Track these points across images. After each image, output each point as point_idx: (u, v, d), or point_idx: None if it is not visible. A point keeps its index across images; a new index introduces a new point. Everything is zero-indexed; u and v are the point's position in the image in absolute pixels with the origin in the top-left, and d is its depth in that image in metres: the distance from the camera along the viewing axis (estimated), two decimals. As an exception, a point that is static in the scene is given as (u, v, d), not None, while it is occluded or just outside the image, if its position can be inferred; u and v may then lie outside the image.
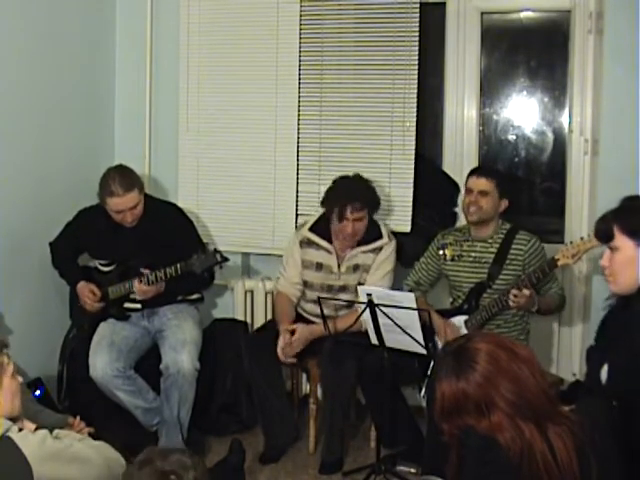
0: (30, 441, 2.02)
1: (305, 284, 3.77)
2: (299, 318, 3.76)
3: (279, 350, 3.55)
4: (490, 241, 3.53)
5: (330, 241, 3.70)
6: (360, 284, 3.64)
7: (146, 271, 3.53)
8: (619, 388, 2.24)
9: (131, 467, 1.84)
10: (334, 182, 3.72)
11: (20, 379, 2.27)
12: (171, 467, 1.76)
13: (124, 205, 3.56)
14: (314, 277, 3.74)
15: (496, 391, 1.81)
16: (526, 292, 3.24)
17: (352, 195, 3.56)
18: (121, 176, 3.57)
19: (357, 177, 3.71)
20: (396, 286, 3.75)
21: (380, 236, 3.69)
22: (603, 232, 2.28)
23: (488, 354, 1.84)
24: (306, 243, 3.75)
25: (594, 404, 2.12)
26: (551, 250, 3.52)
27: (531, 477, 1.77)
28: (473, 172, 3.57)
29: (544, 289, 3.48)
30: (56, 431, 2.16)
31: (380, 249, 3.66)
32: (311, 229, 3.76)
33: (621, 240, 2.24)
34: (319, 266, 3.72)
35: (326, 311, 3.41)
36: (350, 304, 3.58)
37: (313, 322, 3.72)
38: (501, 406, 1.80)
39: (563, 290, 3.57)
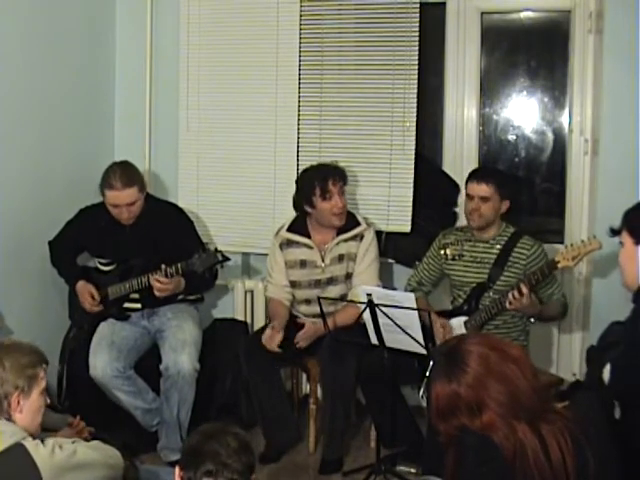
0: (41, 451, 2.07)
1: (293, 285, 3.77)
2: (295, 322, 3.74)
3: (263, 338, 3.54)
4: (492, 242, 3.51)
5: (309, 237, 3.73)
6: (348, 274, 3.67)
7: (163, 266, 3.48)
8: (622, 386, 2.25)
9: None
10: (300, 176, 3.78)
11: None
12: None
13: (121, 200, 3.55)
14: (300, 275, 3.75)
15: (486, 392, 1.83)
16: (525, 291, 3.23)
17: (327, 170, 3.65)
18: (123, 171, 3.57)
19: (319, 163, 3.79)
20: (382, 275, 3.78)
21: (358, 223, 3.71)
22: (620, 226, 2.34)
23: (479, 356, 1.86)
24: (286, 244, 3.76)
25: (588, 399, 2.13)
26: (551, 250, 3.52)
27: (524, 476, 1.78)
28: (473, 176, 3.51)
29: (545, 294, 3.45)
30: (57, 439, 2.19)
31: (362, 236, 3.68)
32: (289, 229, 3.78)
33: (625, 236, 2.31)
34: (303, 263, 3.73)
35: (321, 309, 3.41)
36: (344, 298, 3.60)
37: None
38: (492, 406, 1.82)
39: (565, 297, 3.53)
